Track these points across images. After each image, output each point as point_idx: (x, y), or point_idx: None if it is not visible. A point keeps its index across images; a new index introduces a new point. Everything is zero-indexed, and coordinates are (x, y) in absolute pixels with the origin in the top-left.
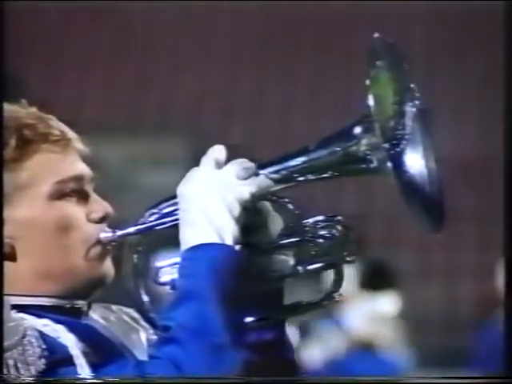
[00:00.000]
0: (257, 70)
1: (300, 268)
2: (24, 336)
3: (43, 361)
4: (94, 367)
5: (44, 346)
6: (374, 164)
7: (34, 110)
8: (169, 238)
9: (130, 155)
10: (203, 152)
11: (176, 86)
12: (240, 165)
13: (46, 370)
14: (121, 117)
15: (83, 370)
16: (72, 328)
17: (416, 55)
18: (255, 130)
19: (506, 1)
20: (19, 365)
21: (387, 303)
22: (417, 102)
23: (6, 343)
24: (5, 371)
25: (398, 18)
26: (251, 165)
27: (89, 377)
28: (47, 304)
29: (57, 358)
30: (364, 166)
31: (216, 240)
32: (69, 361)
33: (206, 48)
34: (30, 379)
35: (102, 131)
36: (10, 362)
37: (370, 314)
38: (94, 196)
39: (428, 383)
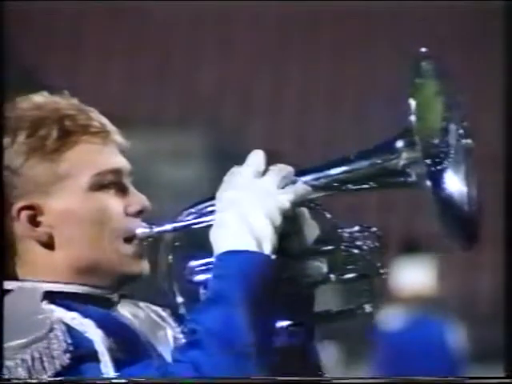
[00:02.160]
0: (277, 65)
1: (332, 276)
2: (51, 330)
3: (68, 355)
4: (119, 365)
5: (70, 341)
6: (413, 178)
7: (75, 101)
8: (205, 237)
9: (151, 150)
10: (223, 147)
11: (196, 81)
12: (280, 172)
13: (70, 365)
14: (141, 112)
15: (107, 367)
16: (100, 323)
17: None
18: (275, 125)
19: (507, 1)
20: (44, 358)
21: None
22: (462, 139)
23: (32, 336)
24: (30, 364)
25: (417, 16)
26: (290, 171)
27: (97, 378)
28: (78, 291)
29: (82, 352)
30: (402, 179)
31: (254, 248)
32: (94, 357)
33: (226, 43)
34: (31, 381)
35: (122, 126)
36: (36, 354)
37: None
38: (132, 189)
39: (437, 383)
